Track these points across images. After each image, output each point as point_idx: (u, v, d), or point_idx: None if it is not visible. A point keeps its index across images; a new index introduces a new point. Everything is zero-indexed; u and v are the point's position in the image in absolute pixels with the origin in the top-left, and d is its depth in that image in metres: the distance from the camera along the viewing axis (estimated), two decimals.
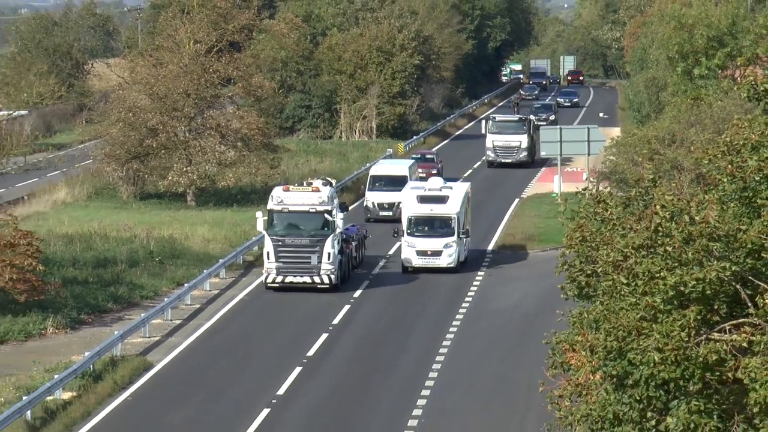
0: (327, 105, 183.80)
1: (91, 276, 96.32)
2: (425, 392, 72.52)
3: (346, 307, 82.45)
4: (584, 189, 45.27)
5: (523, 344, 76.42)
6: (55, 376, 71.48)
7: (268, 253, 79.49)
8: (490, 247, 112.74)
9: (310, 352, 76.24)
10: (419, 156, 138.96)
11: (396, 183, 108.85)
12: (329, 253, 76.56)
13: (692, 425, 27.35)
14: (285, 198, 78.10)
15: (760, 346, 25.25)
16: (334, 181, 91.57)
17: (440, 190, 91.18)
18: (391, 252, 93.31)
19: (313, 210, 77.22)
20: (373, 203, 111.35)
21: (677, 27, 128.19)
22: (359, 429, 65.57)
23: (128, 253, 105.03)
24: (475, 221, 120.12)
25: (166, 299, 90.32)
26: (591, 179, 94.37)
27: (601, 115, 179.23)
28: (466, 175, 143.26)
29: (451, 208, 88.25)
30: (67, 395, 70.92)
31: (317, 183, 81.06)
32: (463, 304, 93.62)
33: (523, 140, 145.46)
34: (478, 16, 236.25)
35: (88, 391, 71.74)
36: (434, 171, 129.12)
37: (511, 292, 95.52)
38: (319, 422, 65.92)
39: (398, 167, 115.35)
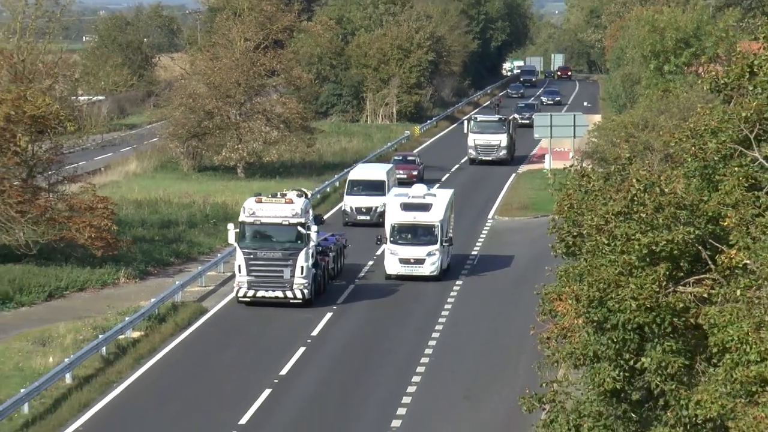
0: (355, 94, 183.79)
1: (157, 235, 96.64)
2: (435, 335, 72.26)
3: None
4: (571, 166, 45.24)
5: (518, 295, 76.17)
6: (126, 318, 72.38)
7: (239, 266, 69.41)
8: (491, 214, 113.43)
9: (339, 301, 76.79)
10: (401, 158, 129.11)
11: (374, 188, 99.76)
12: (302, 267, 67.01)
13: (663, 363, 27.43)
14: (257, 210, 68.36)
15: (718, 297, 25.26)
16: (309, 192, 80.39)
17: (424, 198, 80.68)
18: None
19: (286, 222, 67.62)
20: (351, 207, 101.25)
21: (650, 30, 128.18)
22: (383, 363, 64.29)
23: (188, 216, 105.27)
24: (476, 194, 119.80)
25: (219, 255, 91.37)
26: (576, 157, 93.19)
27: (585, 104, 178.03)
28: (462, 161, 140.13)
29: (434, 216, 78.24)
30: (136, 334, 71.84)
31: (291, 194, 71.63)
32: (466, 264, 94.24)
33: (502, 139, 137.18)
34: (483, 19, 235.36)
35: (153, 331, 72.75)
36: (414, 173, 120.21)
37: (509, 250, 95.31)
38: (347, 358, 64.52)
39: (376, 172, 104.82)
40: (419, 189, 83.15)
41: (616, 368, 29.33)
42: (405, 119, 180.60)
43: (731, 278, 25.40)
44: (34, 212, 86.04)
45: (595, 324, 30.26)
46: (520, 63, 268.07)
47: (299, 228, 67.34)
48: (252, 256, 67.74)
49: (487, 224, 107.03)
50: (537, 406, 37.26)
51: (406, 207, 78.09)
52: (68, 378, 63.39)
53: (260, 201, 70.11)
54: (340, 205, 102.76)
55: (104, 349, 68.16)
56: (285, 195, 72.41)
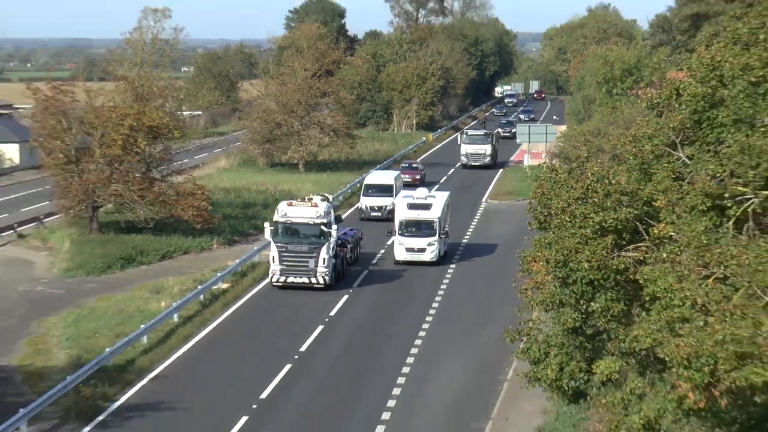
0: (385, 110, 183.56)
1: (240, 213, 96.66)
2: (440, 292, 72.10)
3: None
4: (543, 163, 45.46)
5: (505, 259, 76.17)
6: (218, 274, 73.04)
7: (273, 257, 66.89)
8: (484, 198, 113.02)
9: (356, 284, 76.10)
10: (407, 165, 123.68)
11: (384, 190, 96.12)
12: (324, 259, 65.41)
13: (608, 307, 27.52)
14: (288, 212, 66.54)
15: (651, 259, 25.30)
16: (330, 197, 77.79)
17: (425, 199, 78.81)
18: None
19: (311, 222, 65.77)
20: (366, 206, 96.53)
21: (603, 63, 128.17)
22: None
23: (262, 200, 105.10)
24: (472, 186, 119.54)
25: None
26: (547, 157, 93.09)
27: (554, 117, 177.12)
28: (457, 166, 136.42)
29: (433, 214, 76.21)
30: (224, 285, 72.07)
31: (316, 199, 69.64)
32: (469, 230, 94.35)
33: (487, 149, 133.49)
34: (480, 55, 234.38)
35: (237, 284, 73.08)
36: (418, 177, 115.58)
37: (498, 227, 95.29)
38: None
39: (386, 177, 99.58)
40: (422, 192, 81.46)
41: (575, 311, 29.47)
42: (422, 128, 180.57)
43: (660, 245, 25.41)
44: (151, 196, 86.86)
45: (560, 279, 30.41)
46: (508, 87, 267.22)
47: (322, 227, 65.94)
48: (284, 249, 65.78)
49: (481, 206, 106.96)
50: (517, 338, 37.67)
51: (411, 206, 76.59)
52: (175, 317, 64.22)
53: (291, 204, 68.76)
54: (357, 205, 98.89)
55: (202, 296, 68.92)
56: (311, 199, 70.60)
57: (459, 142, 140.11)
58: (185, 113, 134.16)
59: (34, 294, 71.76)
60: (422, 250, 74.75)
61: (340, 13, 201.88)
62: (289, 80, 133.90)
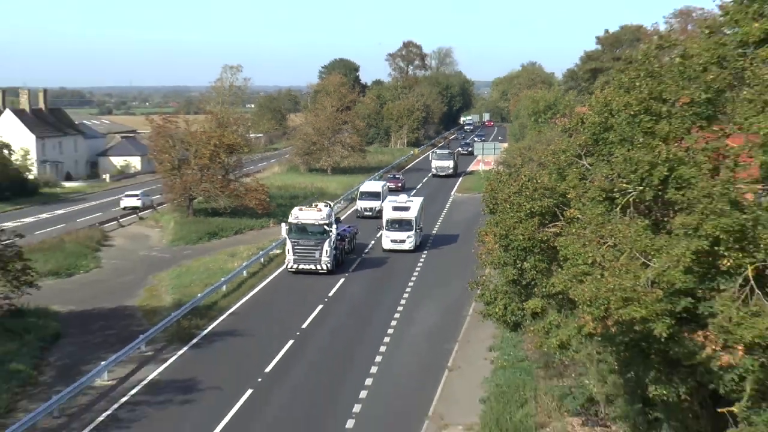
0: (386, 133, 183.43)
1: (287, 202, 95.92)
2: (420, 264, 71.80)
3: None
4: (492, 169, 45.47)
5: (468, 234, 75.97)
6: (273, 243, 72.59)
7: (288, 249, 63.51)
8: (452, 192, 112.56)
9: (351, 268, 76.25)
10: (392, 176, 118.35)
11: (374, 196, 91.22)
12: (327, 250, 62.22)
13: (535, 265, 27.48)
14: (299, 215, 63.46)
15: (564, 233, 25.26)
16: (332, 203, 75.56)
17: (405, 203, 74.88)
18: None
19: (317, 223, 62.50)
20: (361, 207, 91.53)
21: (532, 101, 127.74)
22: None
23: (303, 194, 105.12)
24: (444, 186, 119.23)
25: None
26: (495, 165, 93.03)
27: (500, 138, 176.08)
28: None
29: (411, 214, 72.98)
30: (277, 251, 71.27)
31: (321, 205, 66.25)
32: (443, 212, 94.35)
33: (451, 164, 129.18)
34: (449, 95, 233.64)
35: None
36: (400, 184, 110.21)
37: (463, 211, 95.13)
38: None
39: (375, 186, 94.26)
40: (403, 198, 77.54)
41: (513, 268, 29.48)
42: (411, 145, 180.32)
43: (570, 223, 25.36)
44: (228, 191, 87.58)
45: (503, 247, 30.34)
46: (468, 118, 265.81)
47: (324, 226, 62.73)
48: (296, 243, 62.77)
49: (450, 198, 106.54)
50: (475, 287, 37.45)
51: (395, 208, 73.28)
52: (244, 273, 64.29)
53: (302, 210, 65.59)
54: (354, 207, 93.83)
55: (262, 258, 68.67)
56: (317, 205, 66.93)
57: (430, 159, 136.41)
58: (251, 135, 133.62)
59: (150, 257, 72.15)
60: (402, 241, 72.36)
61: (355, 68, 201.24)
62: (321, 113, 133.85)
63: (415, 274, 66.21)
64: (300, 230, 63.72)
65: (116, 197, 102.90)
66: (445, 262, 70.38)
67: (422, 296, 59.38)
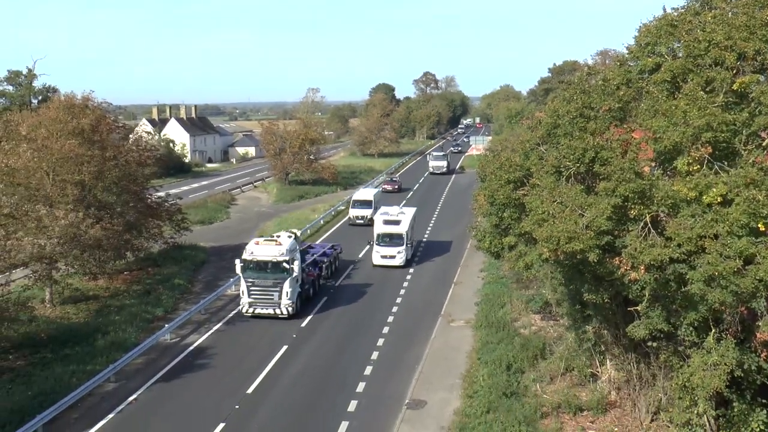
0: (412, 130, 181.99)
1: (349, 176, 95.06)
2: (438, 205, 70.81)
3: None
4: (482, 153, 44.70)
5: (465, 195, 75.44)
6: (339, 202, 71.42)
7: (242, 291, 38.05)
8: (457, 165, 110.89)
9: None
10: (389, 178, 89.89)
11: (366, 204, 63.01)
12: (287, 292, 37.38)
13: (510, 215, 27.22)
14: (255, 250, 38.53)
15: (529, 194, 24.97)
16: (298, 232, 46.48)
17: (397, 216, 50.64)
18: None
19: (275, 260, 37.94)
20: (353, 216, 62.54)
21: (506, 109, 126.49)
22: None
23: (359, 170, 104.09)
24: (442, 179, 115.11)
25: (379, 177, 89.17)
26: (486, 150, 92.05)
27: (487, 134, 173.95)
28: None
29: (402, 228, 49.17)
30: (341, 208, 70.21)
31: (283, 236, 40.78)
32: (449, 182, 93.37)
33: (444, 164, 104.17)
34: (453, 106, 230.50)
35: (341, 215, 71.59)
36: (396, 186, 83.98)
37: (463, 179, 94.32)
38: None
39: (368, 194, 64.64)
40: (394, 210, 52.13)
41: (496, 217, 29.23)
42: (429, 138, 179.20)
43: (533, 188, 25.15)
44: (311, 168, 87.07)
45: (490, 204, 30.06)
46: (468, 120, 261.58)
47: (284, 263, 37.57)
48: (252, 284, 37.65)
49: (453, 175, 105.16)
50: (472, 230, 37.33)
51: (386, 222, 49.71)
52: (321, 221, 63.85)
53: (258, 243, 39.06)
54: (347, 216, 64.63)
55: (333, 211, 68.14)
56: (279, 237, 40.22)
57: (427, 160, 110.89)
58: (325, 133, 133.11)
59: (261, 212, 72.11)
60: (393, 256, 48.81)
61: (393, 89, 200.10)
62: (370, 118, 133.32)
63: (437, 211, 64.33)
64: (256, 268, 37.98)
65: (240, 173, 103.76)
66: (455, 203, 69.45)
67: (436, 231, 57.86)
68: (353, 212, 63.70)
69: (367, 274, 46.83)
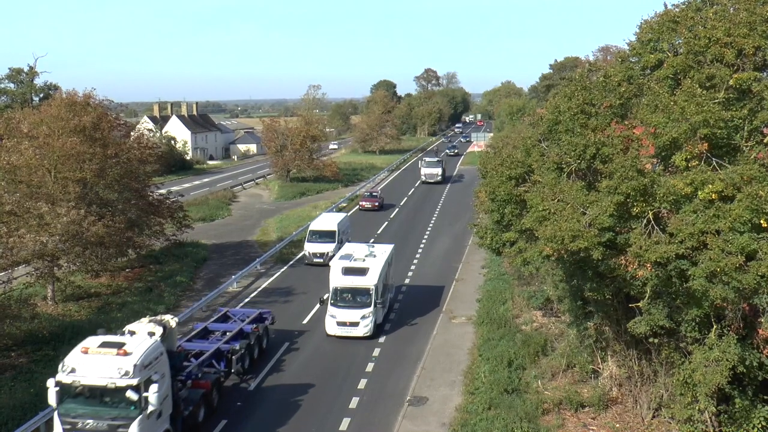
0: (414, 127, 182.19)
1: (350, 173, 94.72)
2: (440, 202, 70.39)
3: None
4: (483, 149, 44.60)
5: (467, 189, 75.21)
6: (341, 198, 71.31)
7: None
8: (454, 172, 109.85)
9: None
10: (368, 194, 70.93)
11: (327, 236, 46.71)
12: None
13: (511, 211, 27.12)
14: (79, 366, 17.57)
15: (530, 190, 24.92)
16: (173, 322, 21.55)
17: (364, 261, 34.70)
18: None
19: (113, 386, 17.36)
20: (308, 252, 46.35)
21: (507, 106, 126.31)
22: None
23: (360, 167, 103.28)
24: (452, 160, 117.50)
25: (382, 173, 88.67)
26: (486, 146, 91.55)
27: (488, 131, 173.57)
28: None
29: (370, 281, 32.98)
30: (344, 204, 70.57)
31: (138, 335, 19.48)
32: (455, 173, 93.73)
33: (438, 171, 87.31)
34: (455, 103, 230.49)
35: (352, 203, 71.39)
36: (377, 203, 67.89)
37: (464, 174, 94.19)
38: None
39: (330, 223, 48.23)
40: (361, 251, 36.28)
41: (497, 213, 29.12)
42: (431, 135, 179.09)
43: (535, 184, 25.07)
44: (312, 166, 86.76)
45: (491, 200, 29.95)
46: (470, 116, 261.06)
47: (130, 392, 18.27)
48: (70, 427, 18.05)
49: (456, 168, 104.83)
50: (473, 226, 37.18)
51: (347, 271, 33.65)
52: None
53: (86, 352, 18.81)
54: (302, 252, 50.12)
55: (335, 208, 67.77)
56: (133, 333, 20.49)
57: (419, 167, 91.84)
58: (327, 130, 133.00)
59: (262, 209, 72.02)
60: (354, 324, 32.46)
61: (394, 86, 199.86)
62: (372, 115, 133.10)
63: (438, 208, 64.29)
64: (81, 399, 19.05)
65: (242, 170, 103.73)
66: (456, 199, 69.21)
67: (438, 229, 57.63)
68: (309, 247, 46.98)
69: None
